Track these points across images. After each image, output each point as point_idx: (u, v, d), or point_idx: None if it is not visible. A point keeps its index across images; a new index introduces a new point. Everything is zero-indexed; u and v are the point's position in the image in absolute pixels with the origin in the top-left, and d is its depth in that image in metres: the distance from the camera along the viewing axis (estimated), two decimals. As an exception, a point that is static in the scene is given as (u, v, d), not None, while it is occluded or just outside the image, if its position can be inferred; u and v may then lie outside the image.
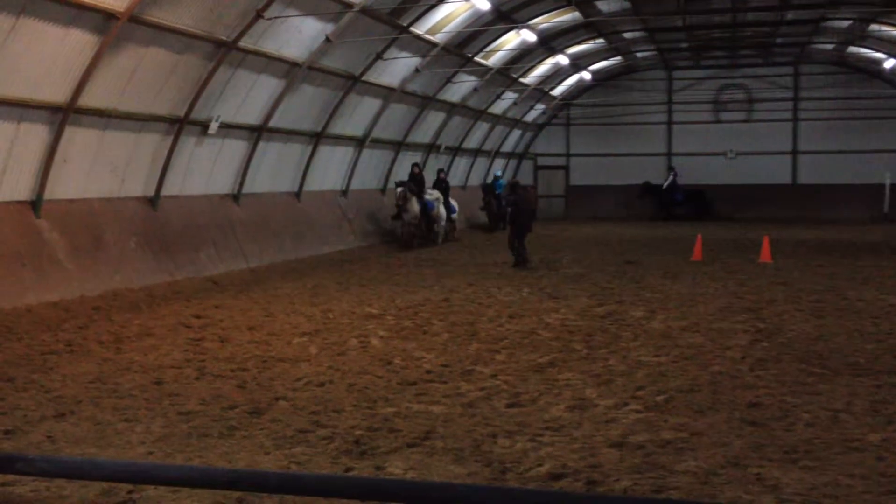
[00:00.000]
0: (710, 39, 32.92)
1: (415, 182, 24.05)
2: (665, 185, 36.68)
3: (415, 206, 23.66)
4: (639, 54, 35.48)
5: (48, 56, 12.72)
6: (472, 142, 32.53)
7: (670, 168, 37.37)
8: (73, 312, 12.63)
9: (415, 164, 24.92)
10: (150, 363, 9.67)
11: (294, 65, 18.38)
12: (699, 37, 32.28)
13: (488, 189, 30.86)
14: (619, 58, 35.41)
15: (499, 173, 32.57)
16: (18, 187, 13.36)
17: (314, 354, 10.16)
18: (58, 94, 13.27)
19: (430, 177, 26.76)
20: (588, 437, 6.93)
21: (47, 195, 13.77)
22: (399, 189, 23.29)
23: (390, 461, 6.38)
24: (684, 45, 34.11)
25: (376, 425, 7.26)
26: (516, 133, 37.30)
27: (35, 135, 13.29)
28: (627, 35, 31.34)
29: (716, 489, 5.80)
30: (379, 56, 21.05)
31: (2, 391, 8.44)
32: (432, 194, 25.11)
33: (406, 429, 7.15)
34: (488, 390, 8.44)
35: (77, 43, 12.97)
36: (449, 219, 26.20)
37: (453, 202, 26.84)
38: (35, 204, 13.63)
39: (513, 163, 39.17)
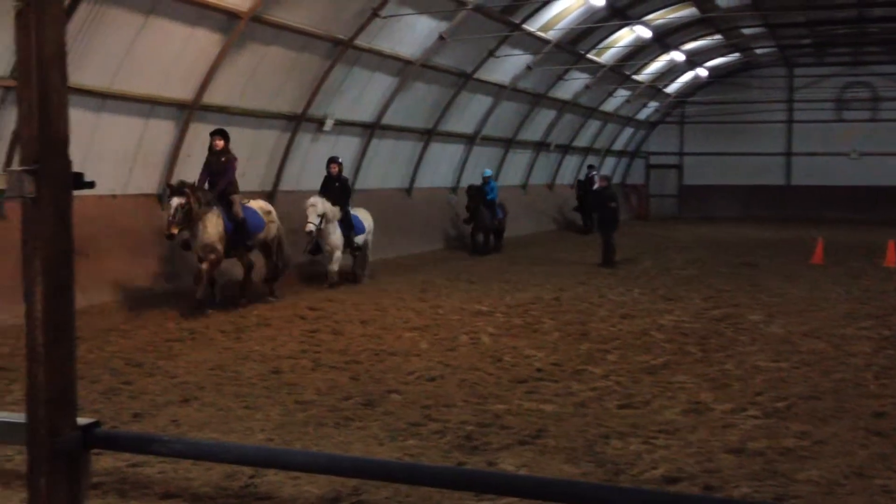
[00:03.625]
0: (833, 36, 31.71)
1: (212, 174, 12.72)
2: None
3: (211, 229, 12.28)
4: (758, 51, 34.46)
5: (175, 54, 13.23)
6: (582, 140, 32.22)
7: (590, 166, 31.44)
8: (195, 302, 13.07)
9: (216, 132, 12.87)
10: (268, 353, 9.95)
11: (407, 63, 18.60)
12: (822, 33, 31.13)
13: (476, 194, 21.43)
14: (737, 54, 34.49)
15: (489, 172, 22.55)
16: (147, 180, 13.95)
17: (425, 349, 10.26)
18: (184, 91, 13.79)
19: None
20: (704, 441, 6.78)
21: (172, 189, 14.33)
22: (173, 200, 11.87)
23: (502, 458, 6.39)
24: (807, 41, 32.93)
25: (487, 421, 7.28)
26: (628, 131, 36.78)
27: (162, 130, 13.86)
28: (746, 31, 30.48)
29: (839, 500, 5.60)
30: (491, 53, 21.10)
31: (131, 376, 8.84)
32: (314, 206, 14.38)
33: (517, 426, 7.14)
34: (600, 391, 8.36)
35: (202, 41, 13.45)
36: (350, 244, 15.39)
37: (361, 216, 15.99)
38: (161, 197, 14.20)
39: (624, 161, 38.63)
